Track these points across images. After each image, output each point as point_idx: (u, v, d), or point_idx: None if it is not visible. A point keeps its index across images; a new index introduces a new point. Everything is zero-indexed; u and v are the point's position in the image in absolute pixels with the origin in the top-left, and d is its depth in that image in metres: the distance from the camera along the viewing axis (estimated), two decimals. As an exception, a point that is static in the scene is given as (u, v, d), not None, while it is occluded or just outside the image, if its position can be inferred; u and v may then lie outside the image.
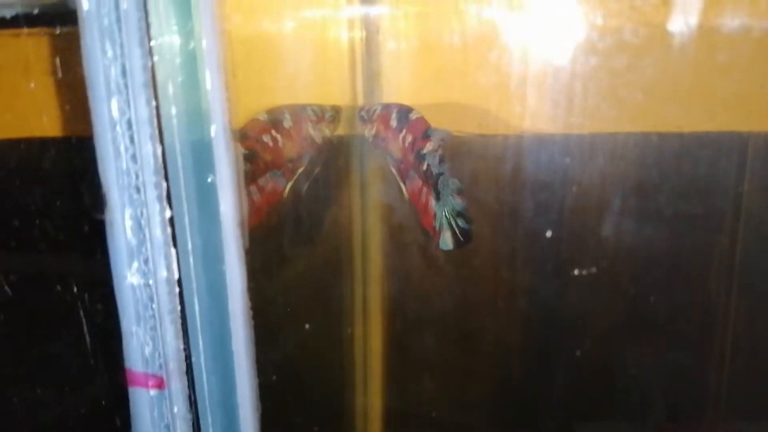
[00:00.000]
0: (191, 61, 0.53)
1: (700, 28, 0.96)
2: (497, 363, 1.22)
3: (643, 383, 1.14)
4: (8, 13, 0.57)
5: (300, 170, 1.07)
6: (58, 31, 0.60)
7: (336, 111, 1.09)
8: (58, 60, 0.62)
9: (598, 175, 1.05)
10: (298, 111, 1.07)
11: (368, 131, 1.08)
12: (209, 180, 0.56)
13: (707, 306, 1.09)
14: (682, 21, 0.95)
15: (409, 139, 1.02)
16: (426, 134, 1.00)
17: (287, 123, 1.05)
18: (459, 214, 0.95)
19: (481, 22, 1.03)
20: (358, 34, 1.08)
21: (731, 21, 0.94)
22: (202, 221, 0.58)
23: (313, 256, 1.14)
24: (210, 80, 0.53)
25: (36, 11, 0.57)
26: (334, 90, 1.13)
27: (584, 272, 1.10)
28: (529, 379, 1.21)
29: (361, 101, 1.12)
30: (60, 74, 0.62)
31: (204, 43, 0.52)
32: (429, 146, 0.99)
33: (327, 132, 1.09)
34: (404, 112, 1.04)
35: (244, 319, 0.60)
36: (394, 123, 1.04)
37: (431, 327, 1.20)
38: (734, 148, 1.00)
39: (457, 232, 0.95)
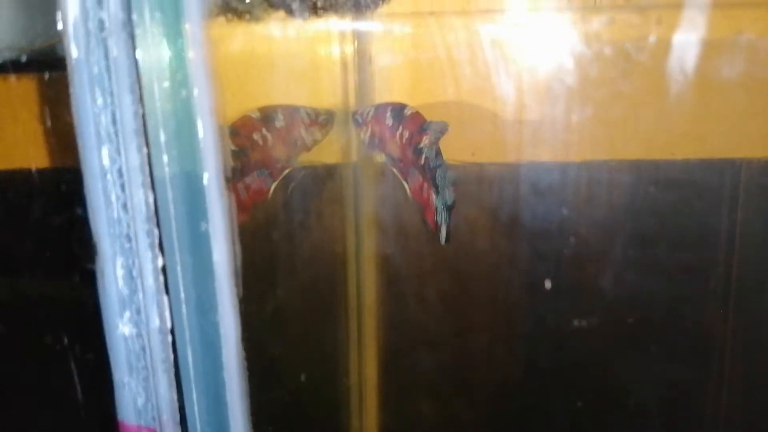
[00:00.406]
0: (183, 109, 0.52)
1: (692, 55, 0.96)
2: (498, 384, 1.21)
3: (636, 400, 1.13)
4: (-5, 59, 0.56)
5: (287, 171, 1.06)
6: (47, 77, 0.59)
7: (329, 115, 1.08)
8: (46, 107, 0.61)
9: (590, 203, 1.05)
10: (291, 112, 1.06)
11: (364, 134, 1.07)
12: (202, 228, 0.55)
13: (703, 332, 1.08)
14: (676, 52, 0.95)
15: (406, 135, 1.01)
16: (422, 128, 1.00)
17: (279, 123, 1.04)
18: (450, 208, 0.95)
19: (474, 48, 1.03)
20: (351, 54, 1.08)
21: (724, 50, 0.94)
22: (195, 270, 0.56)
23: (300, 260, 1.12)
24: (202, 128, 0.52)
25: (24, 58, 0.56)
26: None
27: (578, 315, 1.10)
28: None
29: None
30: (48, 121, 0.60)
31: (196, 91, 0.51)
32: (426, 140, 0.98)
33: (319, 136, 1.07)
34: (398, 109, 1.03)
35: (239, 369, 0.58)
36: (389, 121, 1.03)
37: (427, 347, 1.19)
38: (727, 175, 1.00)
39: (450, 226, 0.96)
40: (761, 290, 1.03)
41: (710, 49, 0.93)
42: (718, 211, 1.01)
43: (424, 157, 0.98)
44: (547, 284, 1.09)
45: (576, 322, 1.11)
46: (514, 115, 1.05)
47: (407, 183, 1.04)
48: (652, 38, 0.97)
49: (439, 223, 0.97)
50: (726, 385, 1.09)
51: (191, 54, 0.51)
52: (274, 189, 1.04)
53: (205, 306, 0.57)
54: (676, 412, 1.14)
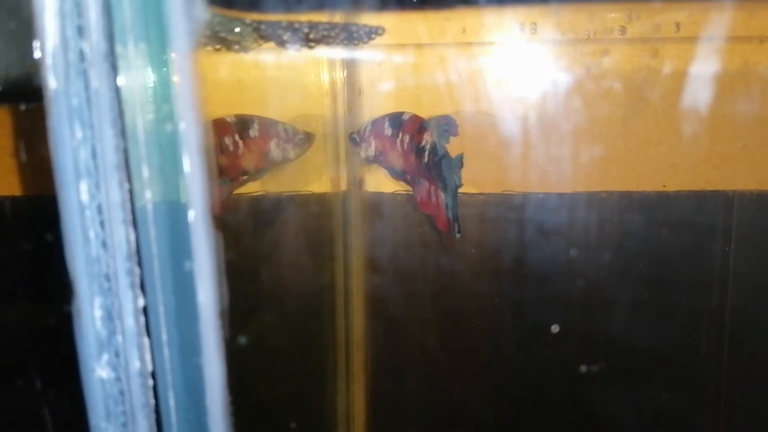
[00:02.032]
0: (169, 143, 0.50)
1: (681, 88, 0.96)
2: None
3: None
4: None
5: (247, 182, 1.05)
6: (23, 108, 0.57)
7: (307, 136, 1.06)
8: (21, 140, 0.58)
9: (579, 233, 1.04)
10: (267, 124, 1.04)
11: (364, 151, 1.06)
12: (187, 267, 0.52)
13: (697, 364, 1.07)
14: (669, 85, 0.95)
15: (407, 139, 1.00)
16: (422, 127, 0.98)
17: (253, 132, 1.03)
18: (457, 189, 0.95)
19: (460, 79, 1.02)
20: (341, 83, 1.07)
21: (714, 83, 0.94)
22: (178, 311, 0.54)
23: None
24: (189, 164, 0.50)
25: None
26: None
27: (567, 329, 1.08)
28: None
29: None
30: (24, 155, 0.58)
31: (182, 125, 0.49)
32: (426, 137, 0.97)
33: (291, 154, 1.06)
34: (396, 116, 1.02)
35: (223, 415, 0.55)
36: (388, 131, 1.02)
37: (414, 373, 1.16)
38: (720, 207, 0.99)
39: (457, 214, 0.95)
40: (755, 321, 1.02)
41: (703, 82, 0.93)
42: (711, 244, 1.00)
43: (426, 154, 0.97)
44: (554, 329, 1.07)
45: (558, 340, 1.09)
46: (502, 147, 1.04)
47: (414, 194, 1.03)
48: (645, 71, 0.97)
49: (452, 218, 0.95)
50: (723, 417, 1.07)
51: (178, 86, 0.49)
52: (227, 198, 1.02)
53: (189, 348, 0.54)
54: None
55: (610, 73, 0.97)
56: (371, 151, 1.05)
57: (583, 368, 1.07)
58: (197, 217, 0.51)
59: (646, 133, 0.99)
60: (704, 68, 0.94)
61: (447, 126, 0.97)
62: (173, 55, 0.48)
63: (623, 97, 0.99)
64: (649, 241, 1.02)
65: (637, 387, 1.08)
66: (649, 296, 1.03)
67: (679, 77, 0.95)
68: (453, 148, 0.96)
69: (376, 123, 1.04)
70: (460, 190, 0.96)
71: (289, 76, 1.03)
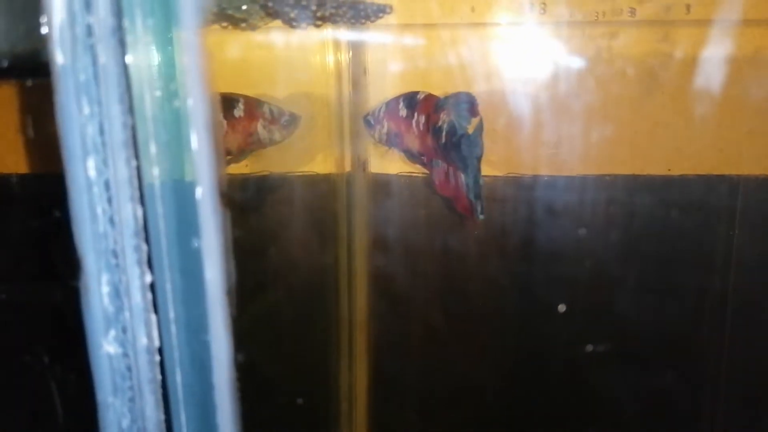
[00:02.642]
0: (176, 120, 0.50)
1: (688, 72, 0.95)
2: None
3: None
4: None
5: (231, 163, 1.04)
6: (30, 84, 0.57)
7: (293, 118, 1.04)
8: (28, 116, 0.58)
9: (587, 217, 1.04)
10: (253, 104, 1.02)
11: (378, 134, 1.03)
12: (194, 245, 0.52)
13: (699, 346, 1.07)
14: (676, 69, 0.94)
15: (422, 120, 0.97)
16: (438, 106, 0.95)
17: (238, 112, 1.01)
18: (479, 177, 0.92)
19: (466, 58, 1.01)
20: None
21: (721, 67, 0.93)
22: (185, 288, 0.54)
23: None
24: (196, 140, 0.49)
25: (5, 64, 0.54)
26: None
27: (570, 310, 1.08)
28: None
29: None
30: (31, 131, 0.57)
31: (190, 102, 0.49)
32: (443, 116, 0.94)
33: (278, 136, 1.04)
34: (410, 96, 0.99)
35: (230, 391, 0.56)
36: (403, 112, 0.99)
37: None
38: (725, 192, 0.99)
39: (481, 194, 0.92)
40: (759, 304, 1.03)
41: (711, 66, 0.93)
42: (715, 228, 1.00)
43: (444, 134, 0.93)
44: (560, 308, 1.08)
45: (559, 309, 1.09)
46: (508, 129, 1.03)
47: (432, 176, 1.00)
48: (654, 54, 0.96)
49: (474, 200, 0.92)
50: (723, 399, 1.08)
51: (185, 62, 0.48)
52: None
53: (196, 325, 0.55)
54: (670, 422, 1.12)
55: (619, 56, 0.97)
56: (386, 133, 1.02)
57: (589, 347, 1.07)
58: (204, 194, 0.51)
59: (653, 116, 0.99)
60: (713, 52, 0.93)
61: (466, 104, 0.94)
62: (181, 31, 0.48)
63: (630, 80, 0.98)
64: (653, 225, 1.02)
65: (638, 362, 1.09)
66: (651, 278, 1.04)
67: (688, 61, 0.95)
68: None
69: (390, 104, 1.01)
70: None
71: (293, 56, 1.03)
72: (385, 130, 1.02)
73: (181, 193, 0.52)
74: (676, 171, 0.99)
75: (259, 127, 1.03)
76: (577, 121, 1.00)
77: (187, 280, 0.54)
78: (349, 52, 1.06)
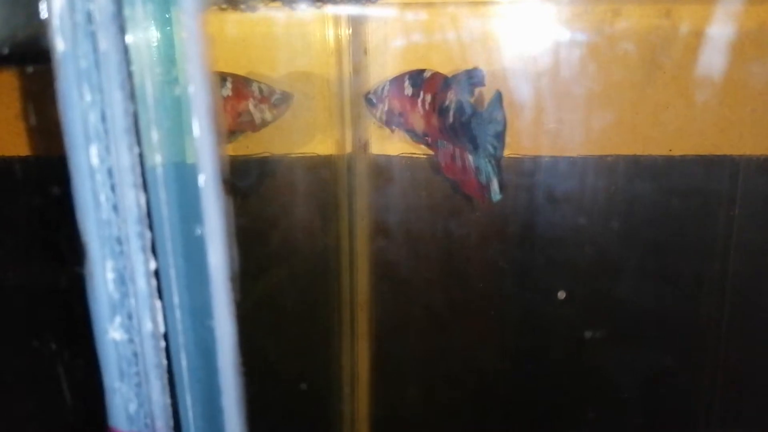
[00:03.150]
0: (177, 107, 0.50)
1: (691, 51, 0.95)
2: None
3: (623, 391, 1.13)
4: (-26, 53, 0.53)
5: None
6: (31, 70, 0.56)
7: (284, 96, 1.02)
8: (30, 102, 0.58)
9: (588, 198, 1.04)
10: (242, 83, 1.00)
11: (380, 113, 1.00)
12: (198, 232, 0.52)
13: (698, 328, 1.08)
14: (676, 48, 0.93)
15: (429, 99, 0.94)
16: (445, 84, 0.92)
17: (226, 91, 0.99)
18: (496, 157, 0.89)
19: (466, 43, 1.00)
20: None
21: (724, 46, 0.93)
22: (189, 274, 0.54)
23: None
24: (198, 127, 0.49)
25: (6, 50, 0.53)
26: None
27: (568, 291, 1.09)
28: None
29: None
30: (33, 117, 0.57)
31: (191, 88, 0.48)
32: (450, 95, 0.91)
33: (269, 115, 1.01)
34: (417, 74, 0.96)
35: (235, 375, 0.56)
36: (408, 90, 0.96)
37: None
38: (726, 172, 0.99)
39: (501, 178, 0.89)
40: (757, 285, 1.03)
41: (714, 45, 0.92)
42: (716, 208, 1.01)
43: (451, 114, 0.91)
44: (560, 295, 1.08)
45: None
46: (507, 109, 1.02)
47: (438, 158, 0.97)
48: (656, 32, 0.96)
49: (485, 182, 0.90)
50: (720, 383, 1.09)
51: (186, 49, 0.48)
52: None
53: (200, 311, 0.55)
54: (667, 407, 1.14)
55: (620, 35, 0.96)
56: (389, 113, 0.99)
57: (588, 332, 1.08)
58: (207, 181, 0.51)
59: (655, 96, 0.98)
60: (716, 31, 0.92)
61: (473, 79, 0.91)
62: (181, 16, 0.48)
63: (632, 60, 0.98)
64: (653, 206, 1.02)
65: (636, 345, 1.10)
66: (651, 259, 1.04)
67: (690, 40, 0.94)
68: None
69: (394, 82, 0.98)
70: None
71: (292, 34, 1.02)
72: (388, 108, 0.99)
73: (184, 179, 0.52)
74: (677, 151, 0.99)
75: (249, 106, 1.00)
76: (578, 101, 0.99)
77: (190, 266, 0.54)
78: (349, 30, 1.05)
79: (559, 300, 1.07)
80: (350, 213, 1.10)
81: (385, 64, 1.03)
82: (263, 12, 0.87)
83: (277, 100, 1.02)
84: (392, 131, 1.03)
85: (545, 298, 1.08)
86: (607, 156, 1.02)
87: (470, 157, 0.93)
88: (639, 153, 1.01)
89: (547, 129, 1.01)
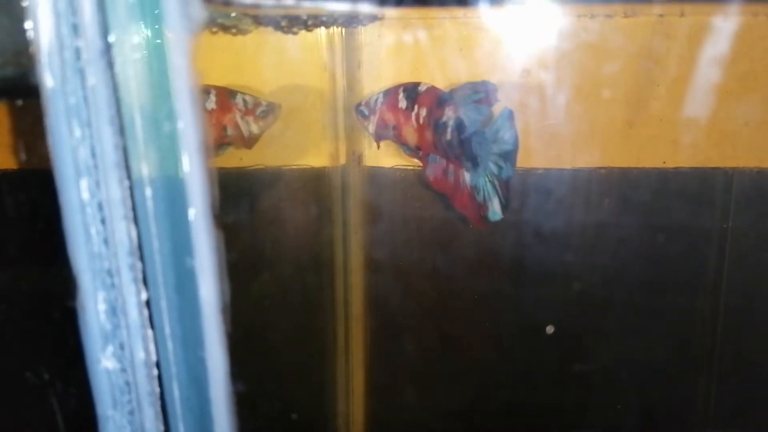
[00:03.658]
0: (168, 142, 0.50)
1: (684, 64, 0.95)
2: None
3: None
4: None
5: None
6: (20, 103, 0.56)
7: (270, 108, 1.00)
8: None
9: (580, 209, 1.04)
10: (226, 95, 0.98)
11: (372, 125, 0.99)
12: (188, 264, 0.53)
13: (693, 340, 1.08)
14: (674, 60, 0.93)
15: (423, 113, 0.93)
16: (441, 100, 0.91)
17: (210, 104, 0.98)
18: (499, 177, 0.88)
19: (461, 58, 1.00)
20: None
21: (716, 59, 0.93)
22: (181, 306, 0.54)
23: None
24: (188, 162, 0.50)
25: (-5, 86, 0.53)
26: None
27: (567, 291, 1.09)
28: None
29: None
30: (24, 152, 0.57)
31: (181, 124, 0.49)
32: (448, 111, 0.90)
33: (255, 128, 1.00)
34: (411, 87, 0.95)
35: (226, 405, 0.57)
36: (402, 103, 0.95)
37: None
38: (719, 185, 0.99)
39: (506, 196, 0.88)
40: (750, 299, 1.04)
41: (707, 59, 0.92)
42: (709, 220, 1.01)
43: (449, 130, 0.90)
44: (549, 329, 1.08)
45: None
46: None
47: (428, 172, 0.96)
48: (650, 45, 0.96)
49: (483, 200, 0.90)
50: (715, 393, 1.10)
51: (176, 84, 0.48)
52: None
53: (192, 341, 0.55)
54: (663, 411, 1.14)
55: (614, 46, 0.96)
56: (382, 125, 0.98)
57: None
58: (197, 215, 0.51)
59: (649, 108, 0.98)
60: (709, 44, 0.92)
61: (480, 94, 0.89)
62: (170, 53, 0.48)
63: (626, 71, 0.98)
64: (646, 218, 1.02)
65: (631, 351, 1.10)
66: (645, 271, 1.04)
67: (684, 52, 0.94)
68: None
69: (388, 94, 0.97)
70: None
71: (285, 48, 1.02)
72: (380, 120, 0.98)
73: (175, 213, 0.52)
74: (671, 164, 0.99)
75: (233, 119, 0.99)
76: (571, 112, 0.99)
77: (182, 297, 0.54)
78: (342, 44, 1.05)
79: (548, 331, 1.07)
80: (345, 224, 1.10)
81: (379, 78, 1.03)
82: (255, 34, 0.86)
83: (263, 111, 1.00)
84: (378, 147, 1.02)
85: (541, 305, 1.08)
86: (600, 168, 1.02)
87: (467, 175, 0.92)
88: (633, 165, 1.01)
89: (540, 141, 1.01)
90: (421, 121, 0.94)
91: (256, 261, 1.09)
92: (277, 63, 1.02)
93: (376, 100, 0.99)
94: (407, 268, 1.10)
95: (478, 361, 1.16)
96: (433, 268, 1.10)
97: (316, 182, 1.10)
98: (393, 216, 1.08)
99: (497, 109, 0.92)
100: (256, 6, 0.71)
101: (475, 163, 0.91)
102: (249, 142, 1.02)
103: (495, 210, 0.91)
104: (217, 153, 1.03)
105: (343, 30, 1.02)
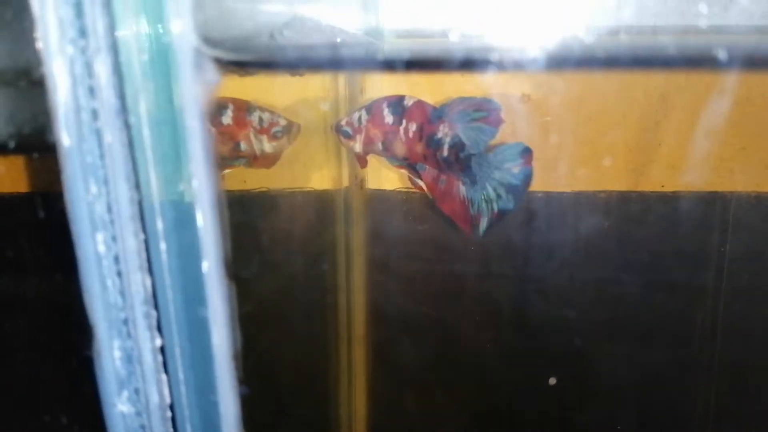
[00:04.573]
0: (182, 199, 0.51)
1: (683, 90, 0.96)
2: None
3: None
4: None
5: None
6: (36, 156, 0.58)
7: (289, 127, 0.96)
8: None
9: (582, 232, 1.05)
10: (243, 110, 0.95)
11: (358, 144, 0.96)
12: (201, 314, 0.54)
13: (690, 364, 1.10)
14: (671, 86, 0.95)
15: (413, 127, 0.91)
16: (436, 115, 0.90)
17: (226, 119, 0.95)
18: (501, 191, 0.88)
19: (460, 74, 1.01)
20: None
21: (716, 85, 0.94)
22: (194, 352, 0.56)
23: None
24: (202, 219, 0.51)
25: (12, 144, 0.54)
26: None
27: (568, 318, 1.11)
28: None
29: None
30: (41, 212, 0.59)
31: (195, 182, 0.50)
32: (444, 128, 0.89)
33: (268, 147, 0.96)
34: (396, 101, 0.93)
35: (240, 447, 0.58)
36: (389, 118, 0.93)
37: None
38: (717, 208, 1.01)
39: (492, 219, 0.89)
40: (748, 321, 1.05)
41: (705, 84, 0.94)
42: (707, 243, 1.02)
43: (446, 148, 0.89)
44: (551, 381, 1.10)
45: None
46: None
47: (419, 180, 0.95)
48: (652, 73, 0.97)
49: (475, 214, 0.90)
50: (714, 407, 1.12)
51: (190, 144, 0.50)
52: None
53: (205, 386, 0.57)
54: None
55: (616, 73, 0.97)
56: (368, 143, 0.95)
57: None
58: (210, 268, 0.53)
59: (649, 133, 1.00)
60: (707, 70, 0.93)
61: (482, 113, 0.88)
62: (185, 115, 0.49)
63: (622, 96, 0.99)
64: (645, 241, 1.04)
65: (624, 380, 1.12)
66: (644, 293, 1.06)
67: (682, 79, 0.96)
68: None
69: (371, 109, 0.94)
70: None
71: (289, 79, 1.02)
72: (366, 138, 0.95)
73: (188, 265, 0.53)
74: (670, 188, 1.01)
75: (251, 137, 0.96)
76: (569, 136, 1.01)
77: (195, 345, 0.56)
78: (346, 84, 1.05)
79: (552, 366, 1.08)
80: (347, 247, 1.12)
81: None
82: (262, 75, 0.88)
83: (277, 131, 0.97)
84: (362, 167, 1.00)
85: (544, 323, 1.10)
86: (600, 191, 1.03)
87: (462, 188, 0.92)
88: (632, 189, 1.03)
89: (540, 164, 1.02)
90: (410, 135, 0.92)
91: (256, 286, 1.10)
92: (280, 86, 1.03)
93: (359, 118, 0.95)
94: (411, 289, 1.11)
95: (480, 382, 1.18)
96: (437, 289, 1.11)
97: (318, 205, 1.11)
98: (396, 237, 1.09)
99: (506, 133, 0.91)
100: (268, 67, 0.73)
101: (473, 181, 0.91)
102: (265, 161, 0.99)
103: (482, 228, 0.91)
104: (226, 165, 0.99)
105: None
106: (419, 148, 0.92)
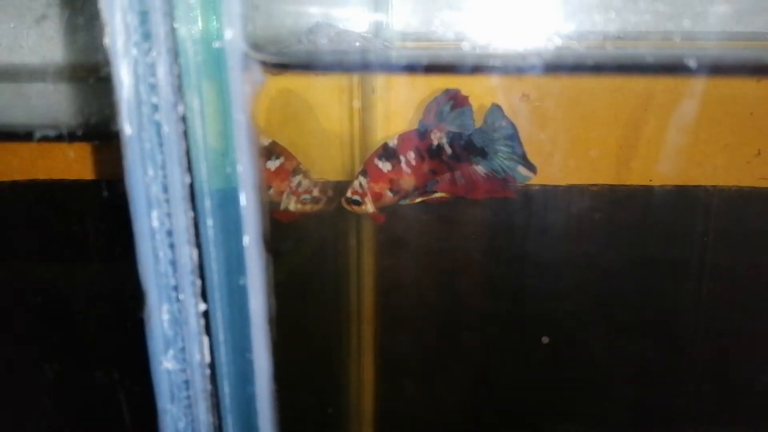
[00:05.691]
0: (228, 181, 0.59)
1: (670, 91, 1.04)
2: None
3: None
4: (52, 133, 0.62)
5: None
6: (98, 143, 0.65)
7: (316, 199, 1.03)
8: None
9: (573, 225, 1.13)
10: (290, 167, 1.01)
11: (369, 205, 1.04)
12: (241, 282, 0.62)
13: (673, 351, 1.17)
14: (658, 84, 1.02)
15: (412, 155, 1.00)
16: (422, 131, 0.99)
17: (273, 164, 1.02)
18: (508, 144, 0.97)
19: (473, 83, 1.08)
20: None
21: (698, 86, 1.02)
22: (233, 316, 0.64)
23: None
24: (245, 198, 0.59)
25: (80, 132, 0.62)
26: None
27: (555, 313, 1.18)
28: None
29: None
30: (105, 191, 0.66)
31: (240, 167, 0.58)
32: (436, 134, 0.98)
33: (291, 206, 1.04)
34: (384, 149, 1.01)
35: (269, 400, 0.66)
36: (386, 167, 1.01)
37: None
38: (700, 201, 1.08)
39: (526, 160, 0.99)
40: (730, 313, 1.13)
41: (691, 85, 1.01)
42: (692, 233, 1.10)
43: (446, 146, 0.98)
44: (544, 339, 1.17)
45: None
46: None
47: (436, 194, 1.04)
48: (637, 68, 1.04)
49: (504, 174, 0.99)
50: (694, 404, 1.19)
51: (236, 134, 0.57)
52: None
53: (242, 346, 0.65)
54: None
55: (606, 76, 1.04)
56: (377, 198, 1.03)
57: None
58: (251, 242, 0.61)
59: (638, 130, 1.07)
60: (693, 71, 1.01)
61: (450, 102, 0.96)
62: (233, 109, 0.57)
63: (611, 93, 1.06)
64: (632, 231, 1.11)
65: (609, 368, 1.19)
66: (628, 282, 1.13)
67: (668, 81, 1.03)
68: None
69: (366, 171, 1.03)
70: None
71: (304, 98, 1.07)
72: (374, 195, 1.03)
73: (231, 239, 0.61)
74: (657, 182, 1.09)
75: (282, 188, 1.03)
76: (560, 130, 1.08)
77: (234, 309, 0.64)
78: (360, 95, 1.10)
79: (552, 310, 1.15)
80: (358, 263, 1.17)
81: (395, 125, 1.09)
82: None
83: (307, 198, 1.04)
84: (379, 222, 1.06)
85: (545, 323, 1.17)
86: (592, 185, 1.11)
87: (479, 167, 1.00)
88: (622, 182, 1.11)
89: (536, 160, 1.09)
90: (413, 162, 1.00)
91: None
92: (300, 110, 1.08)
93: (360, 183, 1.03)
94: (422, 300, 1.17)
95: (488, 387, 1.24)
96: (449, 299, 1.17)
97: (331, 222, 1.16)
98: (407, 252, 1.15)
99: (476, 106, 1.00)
100: (303, 68, 0.80)
101: (484, 154, 0.99)
102: (283, 215, 1.06)
103: (522, 173, 1.01)
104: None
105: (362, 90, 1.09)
106: (426, 167, 1.00)
